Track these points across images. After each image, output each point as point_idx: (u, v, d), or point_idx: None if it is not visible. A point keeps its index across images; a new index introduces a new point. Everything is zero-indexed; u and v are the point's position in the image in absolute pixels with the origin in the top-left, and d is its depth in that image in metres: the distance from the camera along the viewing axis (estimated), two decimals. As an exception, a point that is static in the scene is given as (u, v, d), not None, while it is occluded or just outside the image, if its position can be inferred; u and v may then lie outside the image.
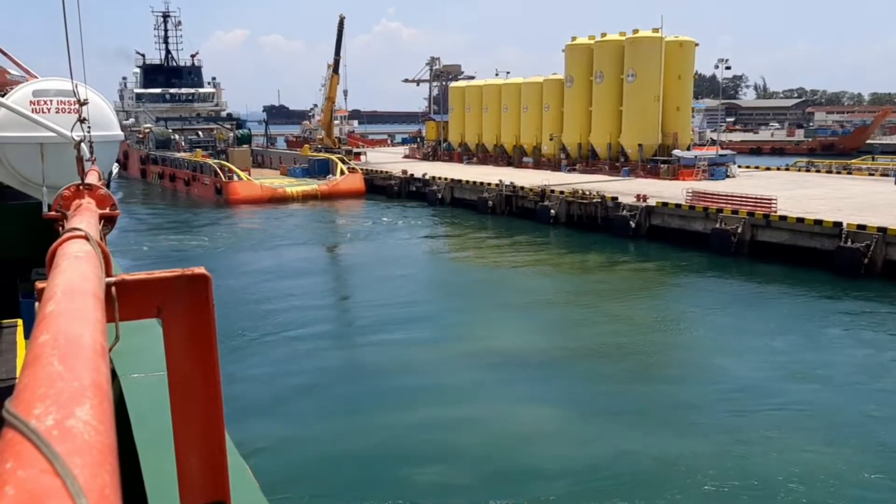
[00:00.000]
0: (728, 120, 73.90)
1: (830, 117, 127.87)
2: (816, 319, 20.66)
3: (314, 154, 60.42)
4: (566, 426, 13.69)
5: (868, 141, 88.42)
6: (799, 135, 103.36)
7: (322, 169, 55.20)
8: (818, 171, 49.43)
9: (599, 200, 35.35)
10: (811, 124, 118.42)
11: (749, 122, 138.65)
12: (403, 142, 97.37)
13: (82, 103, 4.90)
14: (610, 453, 12.44)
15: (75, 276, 1.24)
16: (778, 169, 51.55)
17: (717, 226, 29.65)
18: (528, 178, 43.60)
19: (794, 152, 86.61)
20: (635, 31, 48.02)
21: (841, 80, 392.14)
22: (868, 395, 15.03)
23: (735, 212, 29.70)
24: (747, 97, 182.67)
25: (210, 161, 53.94)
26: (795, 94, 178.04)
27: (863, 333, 19.40)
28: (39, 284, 1.36)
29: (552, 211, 37.07)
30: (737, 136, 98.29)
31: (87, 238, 1.57)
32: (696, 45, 49.49)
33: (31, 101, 7.64)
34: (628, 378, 16.31)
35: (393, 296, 23.70)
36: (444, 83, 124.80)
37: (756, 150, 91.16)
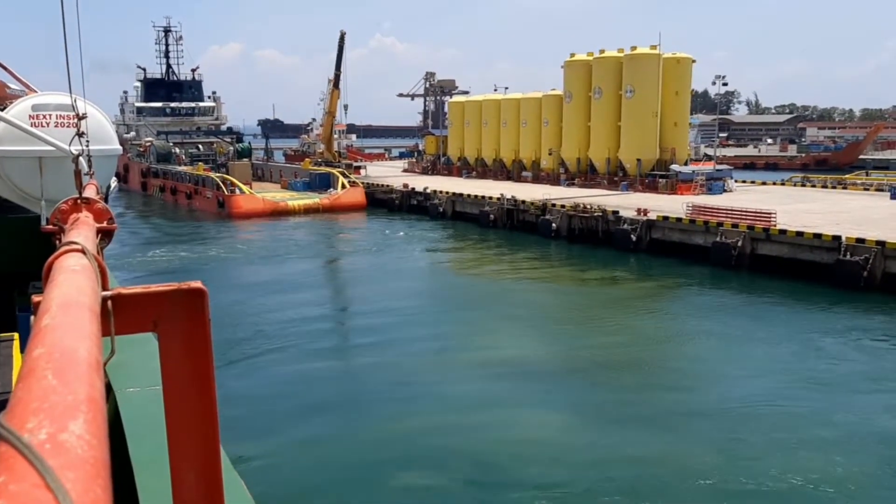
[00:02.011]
0: (721, 135, 74.19)
1: (822, 133, 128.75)
2: (818, 331, 20.65)
3: (315, 168, 60.69)
4: (569, 433, 13.64)
5: (861, 156, 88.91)
6: (792, 150, 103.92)
7: (323, 183, 55.42)
8: (814, 186, 49.69)
9: (600, 214, 35.47)
10: (803, 140, 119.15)
11: (742, 137, 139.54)
12: (401, 156, 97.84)
13: (81, 117, 4.93)
14: (613, 459, 12.45)
15: (71, 289, 1.24)
16: (774, 184, 51.82)
17: (718, 239, 29.72)
18: (527, 192, 43.76)
19: (787, 167, 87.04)
20: (633, 48, 48.54)
21: (832, 95, 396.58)
22: (867, 402, 15.11)
23: (735, 225, 29.78)
24: (739, 112, 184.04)
25: (212, 174, 54.14)
26: (787, 110, 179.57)
27: (863, 344, 19.40)
28: (35, 298, 1.36)
29: (553, 224, 37.18)
30: (730, 152, 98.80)
31: (83, 252, 1.57)
32: (694, 61, 49.99)
33: (30, 115, 7.69)
34: (631, 387, 16.33)
35: (396, 308, 23.70)
36: (438, 98, 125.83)
37: (750, 165, 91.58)
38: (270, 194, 52.76)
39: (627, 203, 37.79)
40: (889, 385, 16.22)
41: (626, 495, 11.27)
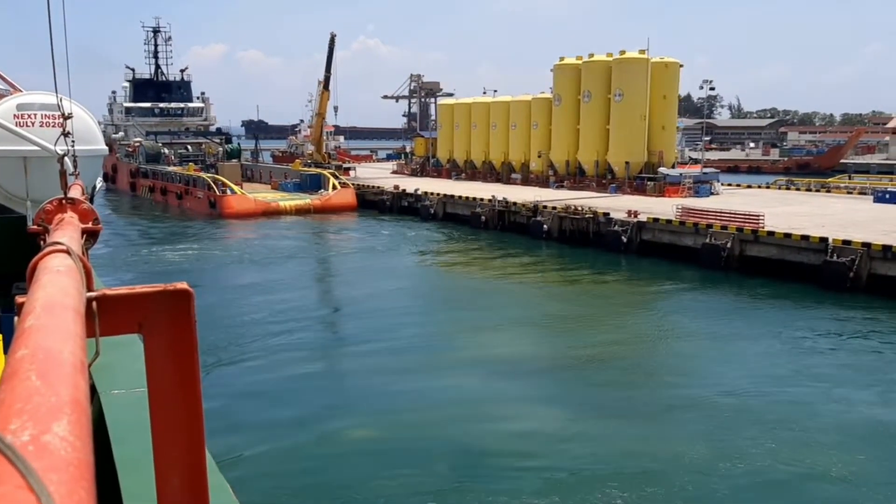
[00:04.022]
0: (704, 139, 74.98)
1: (803, 137, 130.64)
2: (805, 330, 20.96)
3: (305, 169, 60.56)
4: (560, 427, 13.75)
5: (842, 160, 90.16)
6: (774, 154, 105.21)
7: (314, 184, 55.32)
8: (798, 190, 50.35)
9: (591, 216, 35.67)
10: (785, 144, 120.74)
11: (724, 141, 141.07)
12: (388, 157, 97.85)
13: (66, 117, 4.89)
14: (604, 450, 12.64)
15: (55, 290, 1.23)
16: (759, 187, 52.46)
17: (707, 241, 30.01)
18: (517, 194, 43.91)
19: (770, 171, 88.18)
20: (622, 52, 48.91)
21: (812, 100, 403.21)
22: (852, 396, 15.48)
23: (724, 227, 30.10)
24: (722, 117, 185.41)
25: (204, 175, 53.87)
26: (769, 114, 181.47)
27: (849, 342, 19.77)
28: (19, 299, 1.35)
29: (545, 226, 37.35)
30: (713, 155, 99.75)
31: (68, 252, 1.56)
32: (681, 66, 50.48)
33: (15, 115, 7.60)
34: (622, 383, 16.51)
35: (390, 308, 23.70)
36: (422, 100, 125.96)
37: (733, 168, 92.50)
38: (262, 195, 52.59)
39: (617, 205, 38.03)
40: (873, 380, 16.61)
41: (617, 484, 11.41)
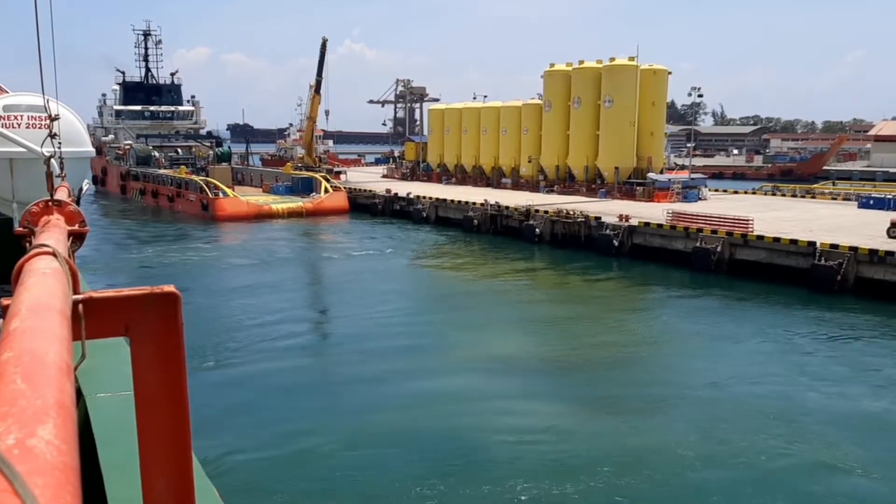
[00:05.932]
0: (688, 145, 75.79)
1: (786, 144, 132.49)
2: (794, 330, 21.22)
3: (297, 172, 60.50)
4: (552, 421, 13.80)
5: (825, 167, 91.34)
6: (758, 160, 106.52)
7: (306, 187, 55.33)
8: (784, 195, 50.98)
9: (583, 220, 35.88)
10: (768, 150, 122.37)
11: (708, 147, 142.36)
12: (376, 161, 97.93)
13: (53, 119, 4.85)
14: (594, 445, 12.74)
15: (41, 292, 1.22)
16: (745, 193, 53.07)
17: (698, 244, 30.29)
18: (509, 199, 44.06)
19: (754, 177, 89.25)
20: (612, 60, 49.35)
21: (795, 108, 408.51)
22: (841, 391, 15.77)
23: (714, 231, 30.42)
24: (705, 123, 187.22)
25: (196, 178, 53.64)
26: (752, 122, 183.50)
27: (836, 342, 20.06)
28: (4, 301, 1.34)
29: (537, 230, 37.51)
30: (698, 161, 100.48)
31: (54, 255, 1.55)
32: (669, 73, 50.98)
33: (1, 116, 7.52)
34: (615, 380, 16.66)
35: (383, 310, 23.66)
36: (409, 105, 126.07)
37: (718, 174, 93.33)
38: (254, 198, 52.48)
39: (607, 209, 38.29)
40: (861, 376, 16.93)
41: (611, 472, 11.52)
